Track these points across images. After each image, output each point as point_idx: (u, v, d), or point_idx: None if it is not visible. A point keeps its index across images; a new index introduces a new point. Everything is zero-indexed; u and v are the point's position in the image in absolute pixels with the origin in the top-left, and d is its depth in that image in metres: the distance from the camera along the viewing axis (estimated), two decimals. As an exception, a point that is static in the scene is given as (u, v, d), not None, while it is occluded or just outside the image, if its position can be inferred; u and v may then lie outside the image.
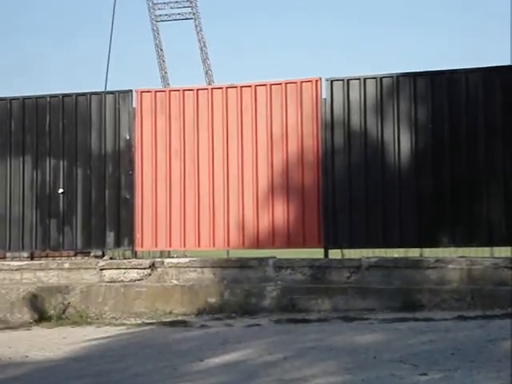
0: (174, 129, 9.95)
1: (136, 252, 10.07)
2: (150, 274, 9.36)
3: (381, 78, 9.40)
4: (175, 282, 9.24)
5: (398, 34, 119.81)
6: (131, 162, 10.00)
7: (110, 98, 10.21)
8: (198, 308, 8.71)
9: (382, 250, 9.87)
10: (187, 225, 9.77)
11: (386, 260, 9.06)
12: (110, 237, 9.96)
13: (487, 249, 10.25)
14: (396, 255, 10.22)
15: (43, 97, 10.36)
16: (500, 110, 9.05)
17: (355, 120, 9.42)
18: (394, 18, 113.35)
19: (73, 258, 12.96)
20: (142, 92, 10.10)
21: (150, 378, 5.40)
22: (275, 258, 9.28)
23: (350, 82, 9.47)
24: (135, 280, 9.34)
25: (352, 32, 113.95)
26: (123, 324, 8.35)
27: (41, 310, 8.98)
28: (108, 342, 7.18)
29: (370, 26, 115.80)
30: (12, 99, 10.43)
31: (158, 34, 53.86)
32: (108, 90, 12.07)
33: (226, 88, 9.92)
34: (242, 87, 9.84)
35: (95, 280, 9.45)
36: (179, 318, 8.51)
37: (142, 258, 10.47)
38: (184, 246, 9.97)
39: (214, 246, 9.80)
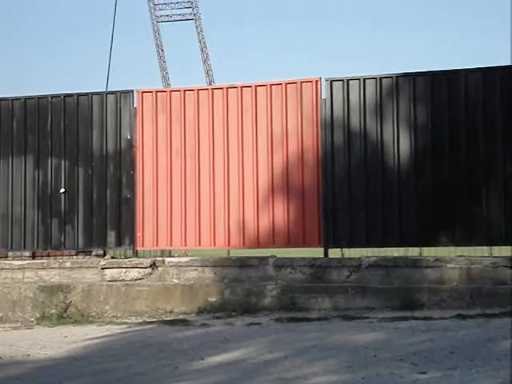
0: (174, 128, 9.98)
1: (137, 251, 10.10)
2: (150, 273, 9.39)
3: (380, 79, 9.42)
4: (176, 281, 9.28)
5: (399, 36, 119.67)
6: (132, 162, 10.03)
7: (111, 98, 10.24)
8: (198, 307, 8.74)
9: (382, 249, 9.89)
10: (188, 224, 9.79)
11: (385, 259, 9.09)
12: (111, 236, 9.99)
13: (486, 248, 10.26)
14: (396, 254, 10.24)
15: (45, 97, 10.38)
16: (500, 110, 9.07)
17: (355, 120, 9.45)
18: (394, 20, 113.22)
19: (74, 257, 13.01)
20: (143, 92, 10.13)
21: (151, 376, 5.43)
22: (275, 257, 9.31)
23: (350, 82, 9.50)
24: (136, 279, 9.38)
25: (353, 33, 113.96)
26: (124, 323, 8.38)
27: (42, 308, 9.01)
28: (109, 341, 7.20)
29: (371, 27, 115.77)
30: (14, 99, 10.46)
31: (159, 34, 53.94)
32: (109, 90, 12.10)
33: (227, 88, 9.95)
34: (242, 87, 9.87)
35: (96, 279, 9.49)
36: (180, 316, 8.53)
37: (143, 257, 10.50)
38: (185, 245, 10.00)
39: (214, 245, 9.83)
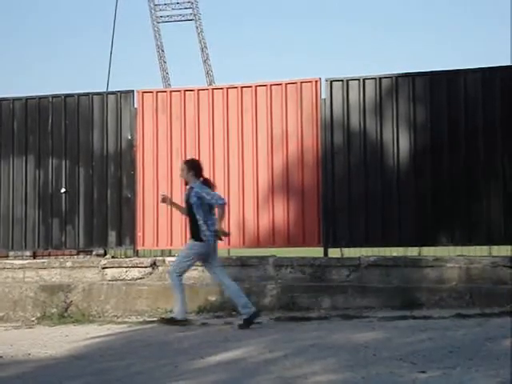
0: (174, 129, 10.00)
1: (137, 251, 10.12)
2: (151, 273, 9.41)
3: (380, 79, 9.44)
4: (176, 280, 9.26)
5: (399, 36, 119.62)
6: (133, 162, 10.05)
7: (111, 98, 10.26)
8: (198, 306, 8.74)
9: (381, 248, 9.90)
10: (188, 224, 9.78)
11: (385, 259, 9.10)
12: (112, 236, 10.01)
13: (486, 248, 10.27)
14: (395, 254, 10.24)
15: (45, 97, 10.40)
16: (499, 110, 9.08)
17: (355, 120, 9.46)
18: (394, 20, 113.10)
19: (75, 256, 13.01)
20: (143, 92, 10.15)
21: (151, 375, 5.42)
22: (275, 256, 9.32)
23: (350, 82, 9.51)
24: (137, 278, 9.39)
25: (353, 33, 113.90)
26: (125, 322, 8.38)
27: (43, 308, 9.03)
28: (110, 340, 7.20)
29: (371, 27, 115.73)
30: (15, 99, 10.47)
31: (160, 35, 53.82)
32: (110, 90, 12.12)
33: (227, 88, 9.96)
34: (242, 88, 9.88)
35: (97, 278, 9.50)
36: (180, 316, 8.53)
37: (143, 256, 10.51)
38: (185, 244, 9.99)
39: (214, 244, 9.82)
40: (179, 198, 9.84)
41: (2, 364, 6.20)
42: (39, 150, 10.31)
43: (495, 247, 9.92)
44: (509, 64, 9.58)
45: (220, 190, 9.67)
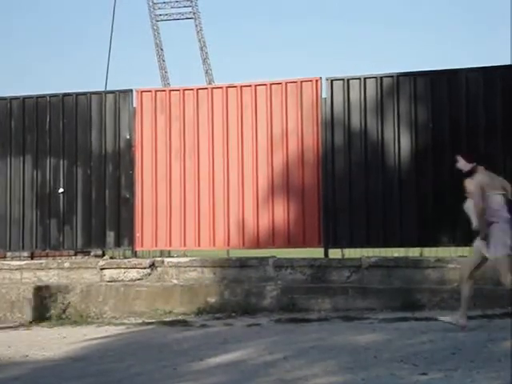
0: (174, 128, 9.95)
1: (136, 251, 10.07)
2: (150, 274, 9.36)
3: (381, 78, 9.40)
4: (175, 281, 9.25)
5: (399, 36, 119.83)
6: (131, 162, 10.00)
7: (110, 97, 10.22)
8: (198, 307, 8.71)
9: (382, 249, 9.86)
10: (187, 224, 9.76)
11: (386, 260, 9.06)
12: (110, 236, 9.95)
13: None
14: (396, 255, 10.20)
15: (43, 96, 10.36)
16: (500, 109, 9.05)
17: (355, 119, 9.42)
18: (395, 19, 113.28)
19: (73, 257, 12.97)
20: (142, 91, 10.10)
21: (150, 377, 5.40)
22: (275, 257, 9.28)
23: (350, 81, 9.47)
24: (135, 279, 9.35)
25: (353, 32, 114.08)
26: (123, 323, 8.35)
27: (41, 309, 8.98)
28: (108, 342, 7.18)
29: (370, 27, 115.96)
30: (12, 99, 10.43)
31: (158, 33, 53.87)
32: (108, 89, 12.08)
33: (226, 88, 9.91)
34: (242, 87, 9.84)
35: (95, 279, 9.45)
36: (179, 317, 8.51)
37: (142, 257, 10.47)
38: (184, 245, 9.96)
39: (214, 245, 9.79)
40: (179, 197, 9.83)
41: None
42: (37, 149, 10.26)
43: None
44: (509, 63, 9.54)
45: (220, 190, 9.68)
